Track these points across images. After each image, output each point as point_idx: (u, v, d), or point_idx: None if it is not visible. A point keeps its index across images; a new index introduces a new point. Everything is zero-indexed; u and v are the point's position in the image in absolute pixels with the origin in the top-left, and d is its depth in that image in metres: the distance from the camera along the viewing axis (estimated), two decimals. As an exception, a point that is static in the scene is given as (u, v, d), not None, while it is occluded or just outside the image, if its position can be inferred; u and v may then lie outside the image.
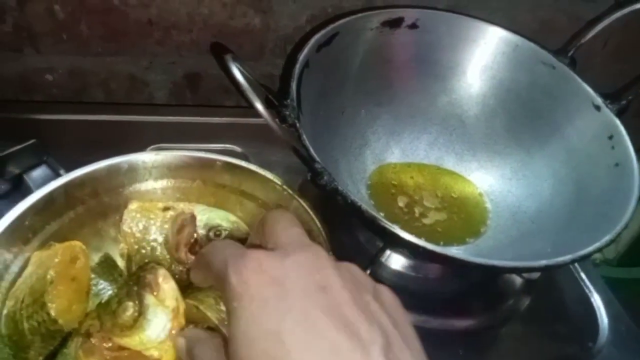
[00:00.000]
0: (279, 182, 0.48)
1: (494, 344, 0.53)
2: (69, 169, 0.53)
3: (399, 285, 0.54)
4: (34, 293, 0.38)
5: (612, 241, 0.43)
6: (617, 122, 0.52)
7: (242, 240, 0.46)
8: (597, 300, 0.57)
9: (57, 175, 0.53)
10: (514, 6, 0.72)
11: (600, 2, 0.73)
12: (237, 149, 0.65)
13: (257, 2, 0.66)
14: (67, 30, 0.65)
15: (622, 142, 0.51)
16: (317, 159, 0.43)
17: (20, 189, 0.52)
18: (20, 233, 0.41)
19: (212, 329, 0.41)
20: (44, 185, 0.44)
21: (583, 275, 0.59)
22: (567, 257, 0.41)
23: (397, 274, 0.55)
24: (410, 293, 0.54)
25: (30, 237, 0.42)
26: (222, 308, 0.41)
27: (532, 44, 0.58)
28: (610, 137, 0.52)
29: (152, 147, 0.63)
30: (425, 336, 0.50)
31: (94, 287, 0.42)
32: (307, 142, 0.43)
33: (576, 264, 0.59)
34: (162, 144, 0.64)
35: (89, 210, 0.46)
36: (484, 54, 0.59)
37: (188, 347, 0.34)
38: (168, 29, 0.67)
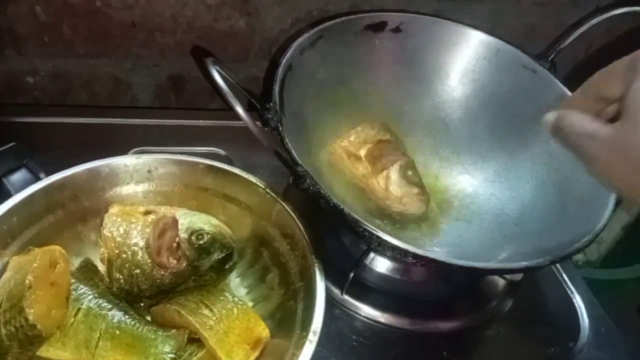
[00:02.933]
0: (262, 186, 0.48)
1: (478, 346, 0.54)
2: (51, 172, 0.52)
3: (384, 287, 0.54)
4: (12, 298, 0.37)
5: (590, 242, 0.43)
6: (597, 125, 0.53)
7: (225, 246, 0.46)
8: (578, 301, 0.57)
9: (37, 178, 0.52)
10: (499, 11, 0.72)
11: (584, 7, 0.74)
12: (221, 151, 0.65)
13: (242, 5, 0.66)
14: (50, 32, 0.64)
15: (601, 145, 0.51)
16: (300, 162, 0.43)
17: (-1, 193, 0.51)
18: (-2, 237, 0.40)
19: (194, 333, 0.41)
20: (23, 189, 0.43)
21: (565, 277, 0.59)
22: (547, 259, 0.41)
23: (382, 276, 0.55)
24: (395, 295, 0.54)
25: (9, 241, 0.41)
26: (204, 312, 0.41)
27: (513, 48, 0.58)
28: (591, 140, 0.52)
29: (135, 149, 0.62)
30: (410, 338, 0.51)
31: (74, 292, 0.41)
32: (289, 146, 0.43)
33: (558, 266, 0.60)
34: (145, 147, 0.63)
35: (69, 214, 0.46)
36: (467, 58, 0.60)
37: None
38: (152, 31, 0.66)
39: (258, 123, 0.43)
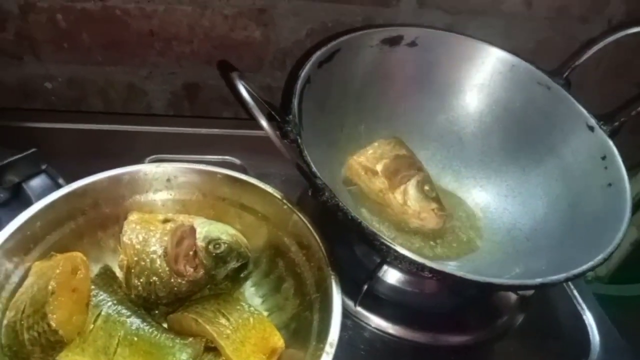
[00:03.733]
0: (279, 196, 0.48)
1: (488, 360, 0.54)
2: (66, 178, 0.53)
3: (395, 299, 0.54)
4: (35, 304, 0.38)
5: (605, 260, 0.44)
6: (610, 143, 0.53)
7: (241, 255, 0.47)
8: (589, 317, 0.57)
9: (56, 184, 0.53)
10: (511, 27, 0.73)
11: (595, 24, 0.75)
12: (236, 160, 0.66)
13: (258, 16, 0.67)
14: (69, 39, 0.66)
15: (614, 163, 0.52)
16: (319, 175, 0.43)
17: (19, 198, 0.52)
18: (21, 243, 0.41)
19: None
20: (43, 194, 0.44)
21: (575, 293, 0.60)
22: (562, 276, 0.42)
23: (394, 288, 0.55)
24: (406, 308, 0.54)
25: (32, 247, 0.42)
26: (221, 321, 0.42)
27: (528, 65, 0.59)
28: (604, 158, 0.53)
29: (150, 157, 0.63)
30: (420, 351, 0.51)
31: (93, 298, 0.42)
32: (308, 158, 0.43)
33: (570, 283, 0.60)
34: (160, 155, 0.64)
35: (89, 221, 0.46)
36: (481, 73, 0.60)
37: None
38: (169, 40, 0.68)
39: (278, 133, 0.44)
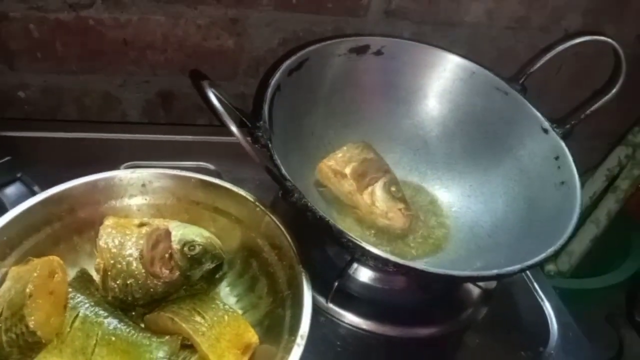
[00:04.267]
0: (252, 199, 0.50)
1: (455, 351, 0.57)
2: (42, 186, 0.54)
3: (366, 296, 0.57)
4: (13, 306, 0.39)
5: (557, 252, 0.47)
6: (562, 144, 0.57)
7: (216, 257, 0.48)
8: (548, 308, 0.61)
9: (32, 192, 0.54)
10: (474, 36, 0.77)
11: (554, 34, 0.80)
12: (210, 166, 0.67)
13: (231, 25, 0.69)
14: (42, 48, 0.66)
15: (566, 163, 0.55)
16: (288, 177, 0.45)
17: (-6, 206, 0.52)
18: (-2, 248, 0.42)
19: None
20: (18, 202, 0.45)
21: (536, 286, 0.63)
22: (516, 267, 0.45)
23: (365, 285, 0.57)
24: (377, 304, 0.56)
25: (8, 252, 0.43)
26: (196, 319, 0.43)
27: (487, 71, 0.62)
28: (557, 158, 0.56)
29: (126, 164, 0.64)
30: (391, 344, 0.54)
31: (71, 301, 0.43)
32: (278, 162, 0.46)
33: (530, 276, 0.64)
34: (135, 162, 0.65)
35: (66, 226, 0.47)
36: (443, 80, 0.63)
37: None
38: (143, 49, 0.69)
39: (249, 139, 0.46)
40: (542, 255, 0.46)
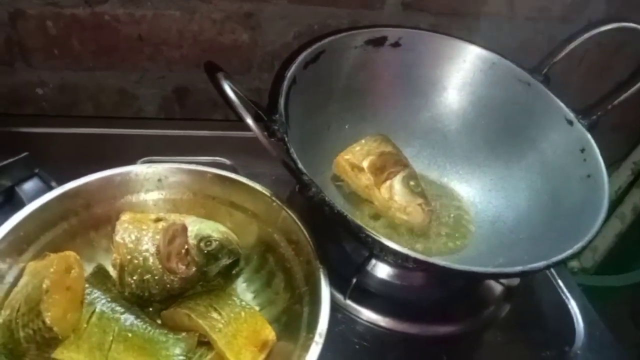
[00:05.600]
0: (268, 194, 0.50)
1: (475, 350, 0.55)
2: (59, 182, 0.54)
3: (385, 293, 0.56)
4: (30, 302, 0.39)
5: (583, 248, 0.45)
6: (589, 136, 0.55)
7: (232, 252, 0.48)
8: (573, 306, 0.59)
9: (49, 187, 0.54)
10: (493, 27, 0.75)
11: (575, 24, 0.77)
12: (226, 161, 0.67)
13: (246, 19, 0.68)
14: (59, 45, 0.66)
15: (593, 155, 0.54)
16: (305, 171, 0.44)
17: (12, 201, 0.53)
18: (15, 244, 0.42)
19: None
20: (36, 197, 0.45)
21: (561, 283, 0.61)
22: (542, 264, 0.43)
23: (383, 282, 0.56)
24: (396, 301, 0.55)
25: (25, 247, 0.43)
26: (213, 315, 0.43)
27: (508, 62, 0.61)
28: (582, 150, 0.55)
29: (142, 159, 0.64)
30: (410, 342, 0.52)
31: (87, 297, 0.43)
32: (294, 156, 0.45)
33: (554, 273, 0.62)
34: (151, 157, 0.65)
35: (82, 221, 0.47)
36: (463, 71, 0.62)
37: None
38: (158, 44, 0.69)
39: (265, 133, 0.45)
40: (569, 252, 0.44)
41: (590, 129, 0.56)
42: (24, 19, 0.63)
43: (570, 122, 0.56)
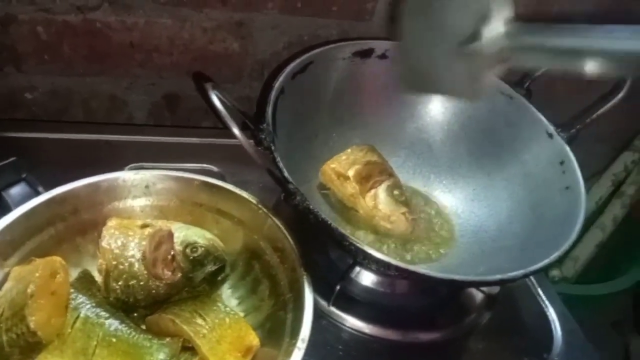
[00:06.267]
0: (255, 202, 0.50)
1: (457, 356, 0.56)
2: (48, 187, 0.54)
3: (368, 300, 0.57)
4: (14, 306, 0.39)
5: (560, 257, 0.46)
6: (567, 149, 0.56)
7: (218, 259, 0.49)
8: (552, 314, 0.60)
9: (36, 192, 0.54)
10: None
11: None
12: (214, 168, 0.67)
13: (237, 29, 0.69)
14: (50, 50, 0.67)
15: (571, 168, 0.55)
16: (291, 179, 0.45)
17: (-2, 206, 0.53)
18: (1, 248, 0.42)
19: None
20: (22, 202, 0.45)
21: (540, 291, 0.62)
22: (520, 272, 0.44)
23: (367, 289, 0.57)
24: (379, 308, 0.56)
25: (11, 252, 0.43)
26: (197, 321, 0.43)
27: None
28: (562, 163, 0.56)
29: (130, 166, 0.64)
30: (393, 348, 0.53)
31: (72, 301, 0.43)
32: (281, 164, 0.46)
33: (534, 281, 0.63)
34: (140, 163, 0.65)
35: (69, 227, 0.48)
36: (448, 84, 0.63)
37: None
38: (150, 51, 0.69)
39: (251, 142, 0.46)
40: (546, 261, 0.45)
41: (570, 142, 0.57)
42: (16, 23, 0.63)
43: (551, 135, 0.58)
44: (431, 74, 0.47)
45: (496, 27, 0.40)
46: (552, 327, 0.59)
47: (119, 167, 0.62)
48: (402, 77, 0.51)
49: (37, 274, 0.40)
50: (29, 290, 0.39)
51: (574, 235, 0.48)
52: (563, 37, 0.38)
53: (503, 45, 0.40)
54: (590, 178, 0.97)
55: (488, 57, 0.41)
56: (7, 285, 0.41)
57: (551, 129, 0.58)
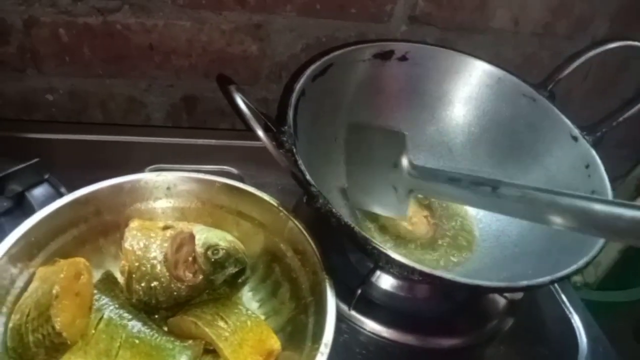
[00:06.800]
0: (275, 204, 0.50)
1: (479, 363, 0.55)
2: (68, 187, 0.54)
3: (389, 304, 0.56)
4: (40, 307, 0.39)
5: (587, 264, 0.45)
6: (593, 152, 0.55)
7: (239, 261, 0.48)
8: (577, 321, 0.59)
9: (59, 193, 0.54)
10: (499, 42, 0.76)
11: (579, 40, 0.78)
12: (233, 170, 0.67)
13: (255, 31, 0.69)
14: (70, 52, 0.67)
15: (597, 171, 0.54)
16: (313, 182, 0.45)
17: (22, 207, 0.53)
18: (26, 249, 0.42)
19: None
20: (45, 203, 0.45)
21: (564, 297, 0.61)
22: (547, 279, 0.44)
23: (387, 293, 0.57)
24: (399, 312, 0.56)
25: (36, 252, 0.43)
26: (219, 324, 0.43)
27: (514, 78, 0.61)
28: (587, 167, 0.55)
29: (149, 167, 0.65)
30: (413, 354, 0.53)
31: (96, 303, 0.43)
32: (303, 167, 0.45)
33: (557, 287, 0.62)
34: (159, 164, 0.66)
35: (92, 228, 0.48)
36: (469, 86, 0.63)
37: None
38: (168, 53, 0.70)
39: (274, 143, 0.46)
40: (574, 267, 0.44)
41: (595, 145, 0.56)
42: (38, 26, 0.64)
43: (575, 138, 0.57)
44: (370, 193, 0.55)
45: (405, 163, 0.51)
46: (577, 334, 0.57)
47: (137, 169, 0.62)
48: (350, 195, 0.57)
49: (61, 275, 0.41)
50: (54, 291, 0.39)
51: (602, 241, 0.47)
52: (446, 186, 0.49)
53: (410, 178, 0.51)
54: (613, 182, 0.95)
55: (407, 183, 0.51)
56: (32, 286, 0.42)
57: (576, 132, 0.57)
